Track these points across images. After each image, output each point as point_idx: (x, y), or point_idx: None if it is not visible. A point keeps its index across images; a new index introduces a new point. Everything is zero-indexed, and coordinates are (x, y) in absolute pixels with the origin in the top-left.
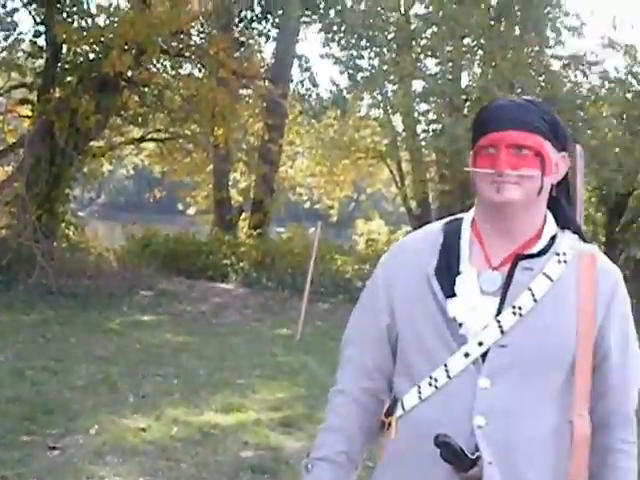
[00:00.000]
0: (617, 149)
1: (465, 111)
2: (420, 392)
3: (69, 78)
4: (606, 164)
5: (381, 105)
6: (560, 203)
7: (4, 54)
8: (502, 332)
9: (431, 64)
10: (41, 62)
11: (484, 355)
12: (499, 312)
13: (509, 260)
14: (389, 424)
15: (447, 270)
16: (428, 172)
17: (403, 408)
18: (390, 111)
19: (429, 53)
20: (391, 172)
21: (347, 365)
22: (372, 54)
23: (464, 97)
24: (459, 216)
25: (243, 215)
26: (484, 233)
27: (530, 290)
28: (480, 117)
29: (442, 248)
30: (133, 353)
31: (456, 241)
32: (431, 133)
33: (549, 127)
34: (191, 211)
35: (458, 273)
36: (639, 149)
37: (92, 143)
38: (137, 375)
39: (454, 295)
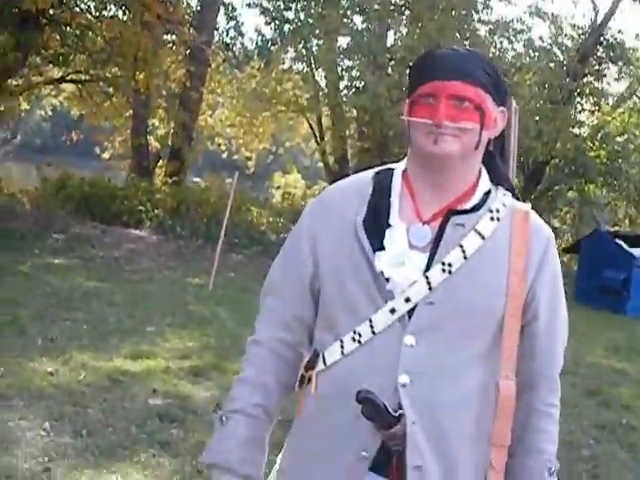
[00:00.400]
0: (538, 117)
1: (389, 70)
2: (343, 347)
3: None
4: (527, 132)
5: (305, 59)
6: (495, 159)
7: None
8: (430, 289)
9: (358, 21)
10: None
11: (411, 312)
12: (428, 268)
13: (441, 215)
14: (309, 378)
15: (375, 222)
16: (348, 129)
17: (324, 362)
18: (314, 65)
19: (357, 9)
20: (311, 127)
21: (266, 315)
22: (299, 7)
23: (388, 56)
24: (390, 166)
25: (160, 162)
26: (416, 185)
27: (461, 247)
28: (421, 64)
29: (371, 199)
30: (43, 296)
31: (386, 192)
32: (353, 90)
33: (491, 80)
34: (106, 155)
35: (387, 226)
36: (560, 118)
37: (10, 81)
38: (46, 319)
39: (382, 249)
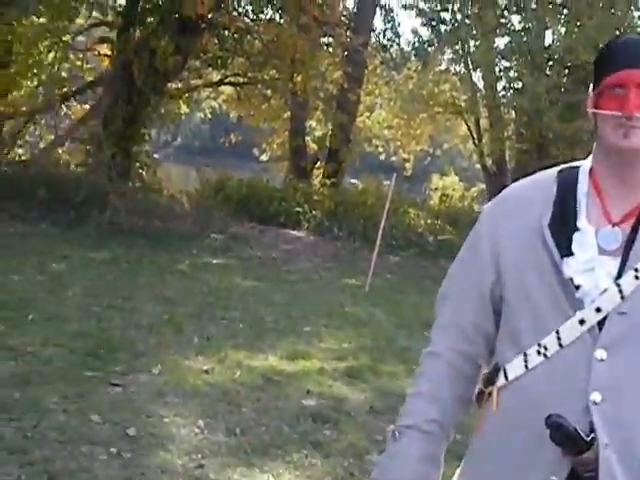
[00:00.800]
0: None
1: (547, 70)
2: (527, 361)
3: (150, 18)
4: None
5: (462, 60)
6: None
7: None
8: (622, 297)
9: (515, 20)
10: (122, 1)
11: (600, 323)
12: (619, 275)
13: (632, 216)
14: (489, 394)
15: (562, 225)
16: (506, 130)
17: (506, 377)
18: (471, 66)
19: (514, 9)
20: (469, 128)
21: (443, 325)
22: (456, 7)
23: (547, 56)
24: (574, 164)
25: (318, 164)
26: (604, 184)
27: None
28: (606, 53)
29: (556, 200)
30: (200, 295)
31: (572, 193)
32: (511, 91)
33: None
34: (264, 157)
35: (575, 229)
36: None
37: (170, 84)
38: (203, 317)
39: (570, 254)
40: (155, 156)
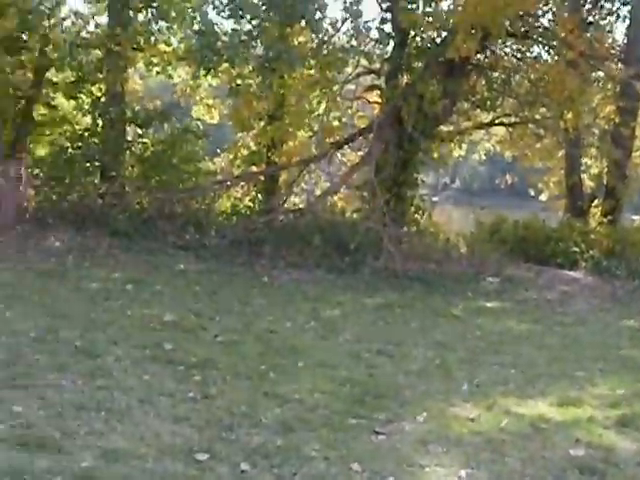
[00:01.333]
0: None
1: None
2: None
3: (416, 64)
4: None
5: None
6: None
7: (353, 42)
8: None
9: None
10: (388, 49)
11: None
12: None
13: None
14: None
15: None
16: None
17: None
18: None
19: None
20: None
21: None
22: None
23: None
24: None
25: (595, 202)
26: None
27: None
28: None
29: None
30: (473, 340)
31: None
32: None
33: None
34: (543, 197)
35: None
36: None
37: (440, 128)
38: (474, 363)
39: None
40: (434, 199)
